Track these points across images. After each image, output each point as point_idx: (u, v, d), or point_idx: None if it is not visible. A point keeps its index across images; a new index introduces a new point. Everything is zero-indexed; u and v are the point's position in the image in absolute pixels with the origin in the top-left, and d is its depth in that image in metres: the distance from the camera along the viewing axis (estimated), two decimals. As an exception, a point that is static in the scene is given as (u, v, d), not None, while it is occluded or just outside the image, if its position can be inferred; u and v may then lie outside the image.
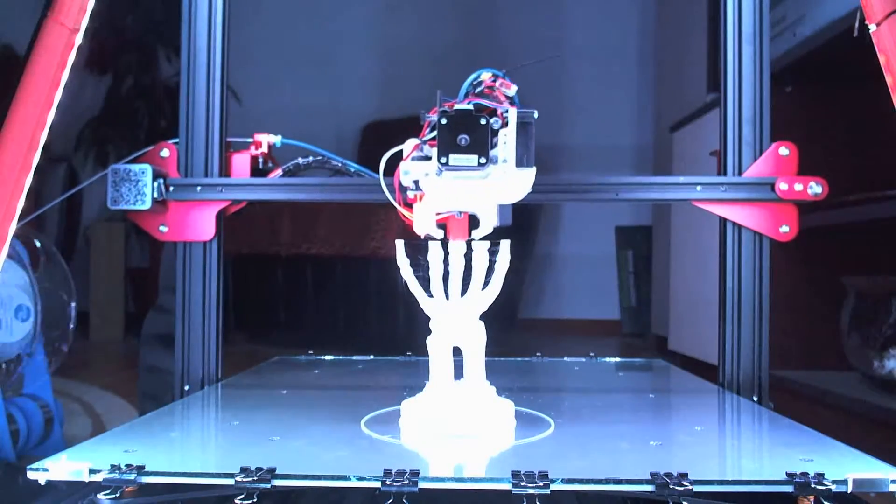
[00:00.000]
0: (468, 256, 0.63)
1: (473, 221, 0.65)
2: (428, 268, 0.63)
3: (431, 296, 0.63)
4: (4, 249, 0.64)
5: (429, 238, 0.64)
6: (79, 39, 0.68)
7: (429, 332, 0.64)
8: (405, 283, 0.64)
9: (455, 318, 0.63)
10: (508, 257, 0.64)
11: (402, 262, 0.64)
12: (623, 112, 3.06)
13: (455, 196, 0.63)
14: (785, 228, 0.87)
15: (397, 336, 2.25)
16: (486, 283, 0.63)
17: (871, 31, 0.60)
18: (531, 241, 2.95)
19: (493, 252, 0.63)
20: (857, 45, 0.66)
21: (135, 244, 2.95)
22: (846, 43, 1.30)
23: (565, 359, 1.07)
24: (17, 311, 1.00)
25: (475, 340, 0.64)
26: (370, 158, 0.77)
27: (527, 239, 2.86)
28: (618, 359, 1.08)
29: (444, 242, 0.63)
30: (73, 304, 1.18)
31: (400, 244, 0.64)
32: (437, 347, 0.64)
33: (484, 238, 0.64)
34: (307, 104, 2.94)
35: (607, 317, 3.04)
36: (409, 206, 0.65)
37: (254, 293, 2.52)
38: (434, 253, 0.63)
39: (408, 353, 1.05)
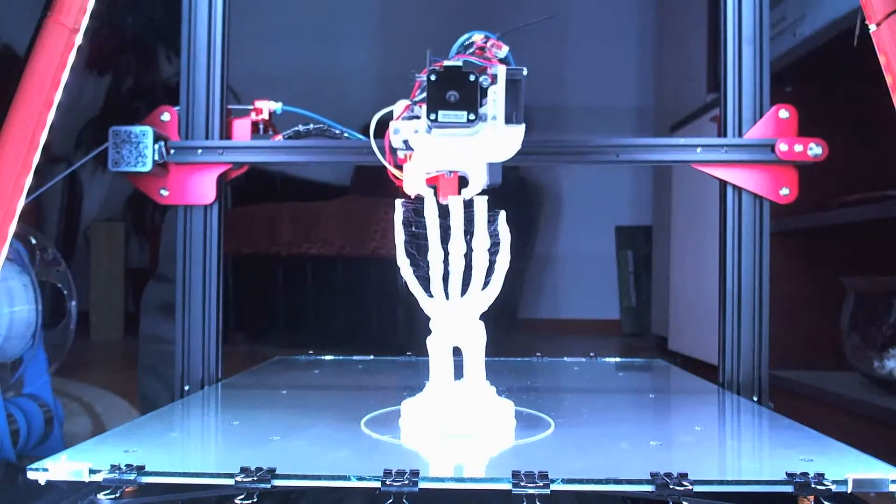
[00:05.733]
0: (468, 256, 0.63)
1: (463, 183, 0.64)
2: (428, 267, 0.63)
3: (431, 296, 0.63)
4: (4, 249, 0.64)
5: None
6: (79, 39, 0.68)
7: (429, 332, 0.64)
8: (405, 282, 0.64)
9: (455, 318, 0.63)
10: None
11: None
12: (623, 112, 3.07)
13: (444, 154, 0.62)
14: (785, 191, 0.86)
15: (397, 336, 2.25)
16: (486, 283, 0.63)
17: (871, 31, 0.60)
18: (531, 241, 2.95)
19: (493, 252, 0.63)
20: (856, 46, 0.66)
21: (135, 244, 2.96)
22: (846, 43, 1.30)
23: (565, 359, 1.07)
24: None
25: (475, 340, 0.64)
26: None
27: (527, 239, 2.86)
28: (618, 359, 1.08)
29: (445, 241, 0.63)
30: (73, 304, 1.18)
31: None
32: (437, 347, 0.64)
33: (477, 196, 0.63)
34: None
35: (607, 317, 3.05)
36: (399, 167, 0.65)
37: (254, 293, 2.52)
38: (434, 252, 0.63)
39: (408, 353, 1.05)
